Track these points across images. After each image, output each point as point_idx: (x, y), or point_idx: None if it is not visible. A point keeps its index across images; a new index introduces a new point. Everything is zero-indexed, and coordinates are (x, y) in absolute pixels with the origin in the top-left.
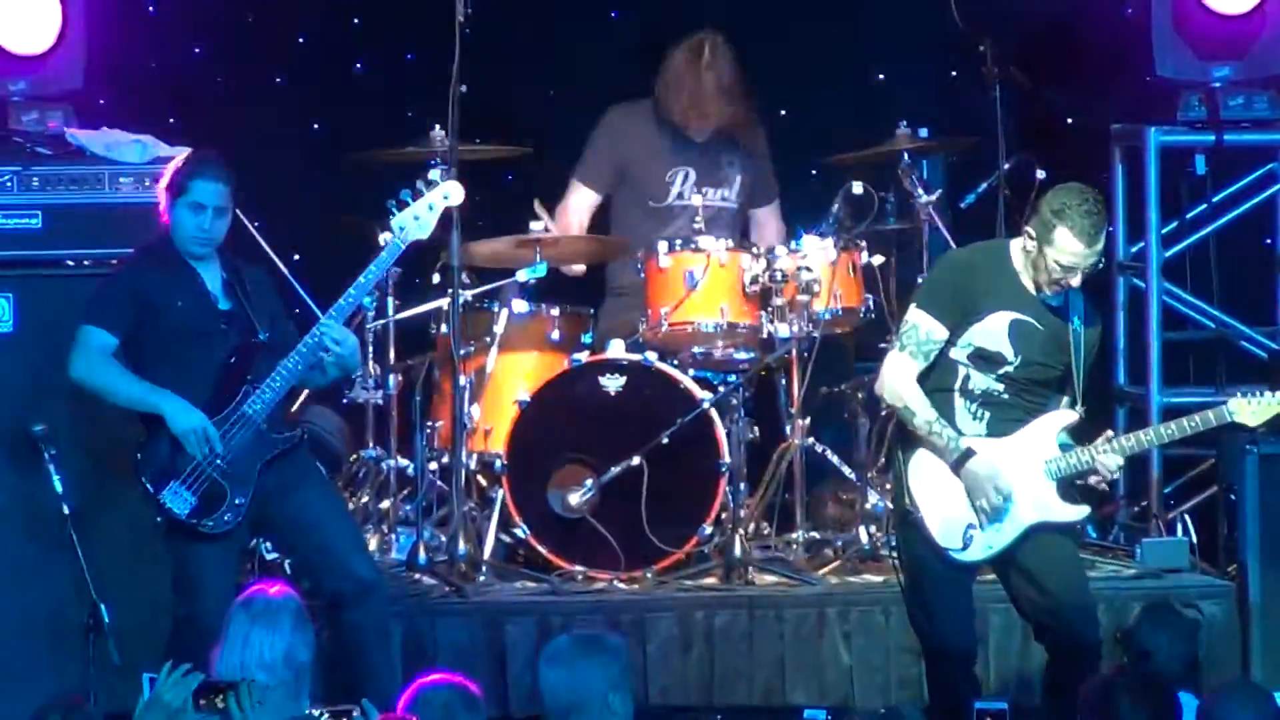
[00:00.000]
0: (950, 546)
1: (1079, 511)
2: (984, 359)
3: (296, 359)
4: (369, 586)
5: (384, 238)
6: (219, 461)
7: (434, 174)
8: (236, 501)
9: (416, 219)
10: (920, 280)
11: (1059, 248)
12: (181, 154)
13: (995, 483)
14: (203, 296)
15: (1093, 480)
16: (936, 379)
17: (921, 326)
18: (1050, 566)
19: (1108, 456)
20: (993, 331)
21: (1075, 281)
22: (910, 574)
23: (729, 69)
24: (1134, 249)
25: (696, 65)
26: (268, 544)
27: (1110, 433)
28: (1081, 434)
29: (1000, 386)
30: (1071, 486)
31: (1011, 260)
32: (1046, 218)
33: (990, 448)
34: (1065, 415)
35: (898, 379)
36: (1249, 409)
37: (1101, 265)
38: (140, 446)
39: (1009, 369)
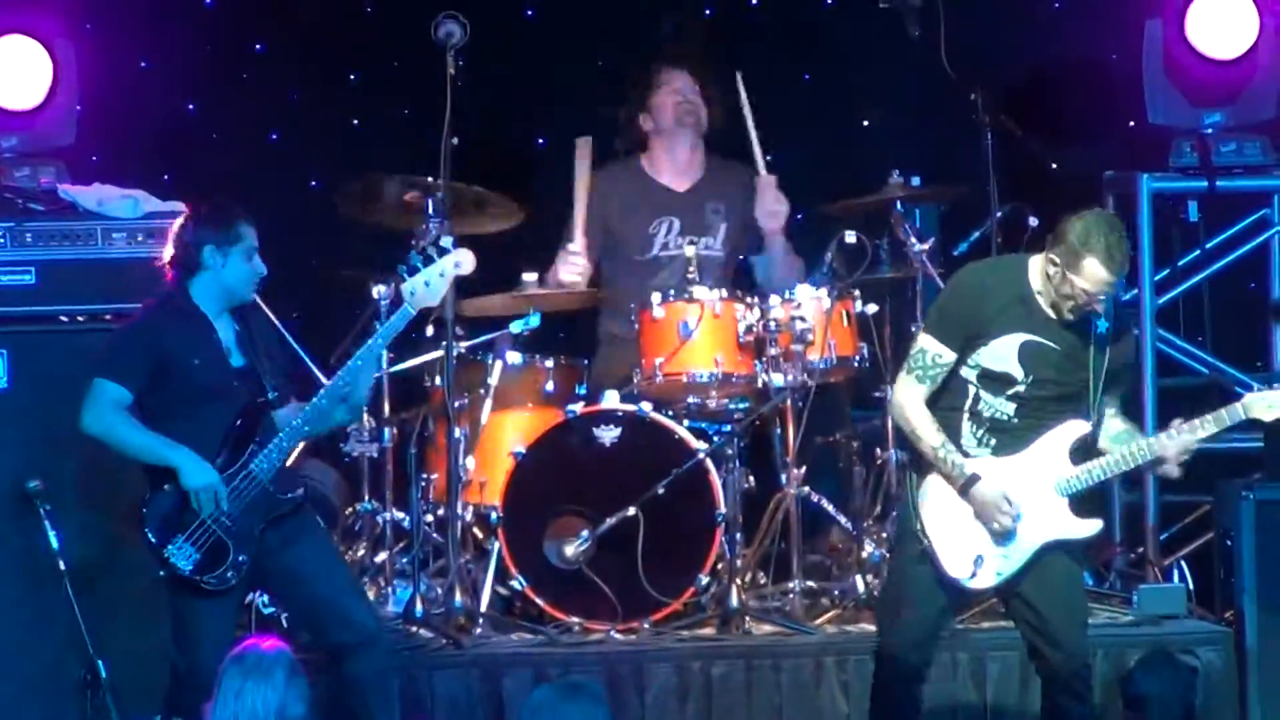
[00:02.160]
0: (960, 576)
1: (1092, 526)
2: (993, 380)
3: (302, 421)
4: (371, 636)
5: (377, 290)
6: (224, 519)
7: (445, 240)
8: (239, 559)
9: (427, 285)
10: (934, 301)
11: (1087, 276)
12: (175, 207)
13: (1003, 505)
14: (218, 353)
15: (1161, 470)
16: (947, 398)
17: (929, 351)
18: (1048, 591)
19: (1117, 462)
20: (1001, 354)
21: (1099, 308)
22: (894, 577)
23: (690, 86)
24: (1127, 296)
25: (656, 81)
26: (264, 597)
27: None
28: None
29: (1011, 408)
30: (1083, 501)
31: (1029, 280)
32: (1073, 245)
33: (998, 469)
34: (1076, 427)
35: (905, 403)
36: (1263, 403)
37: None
38: (145, 500)
39: (1019, 389)
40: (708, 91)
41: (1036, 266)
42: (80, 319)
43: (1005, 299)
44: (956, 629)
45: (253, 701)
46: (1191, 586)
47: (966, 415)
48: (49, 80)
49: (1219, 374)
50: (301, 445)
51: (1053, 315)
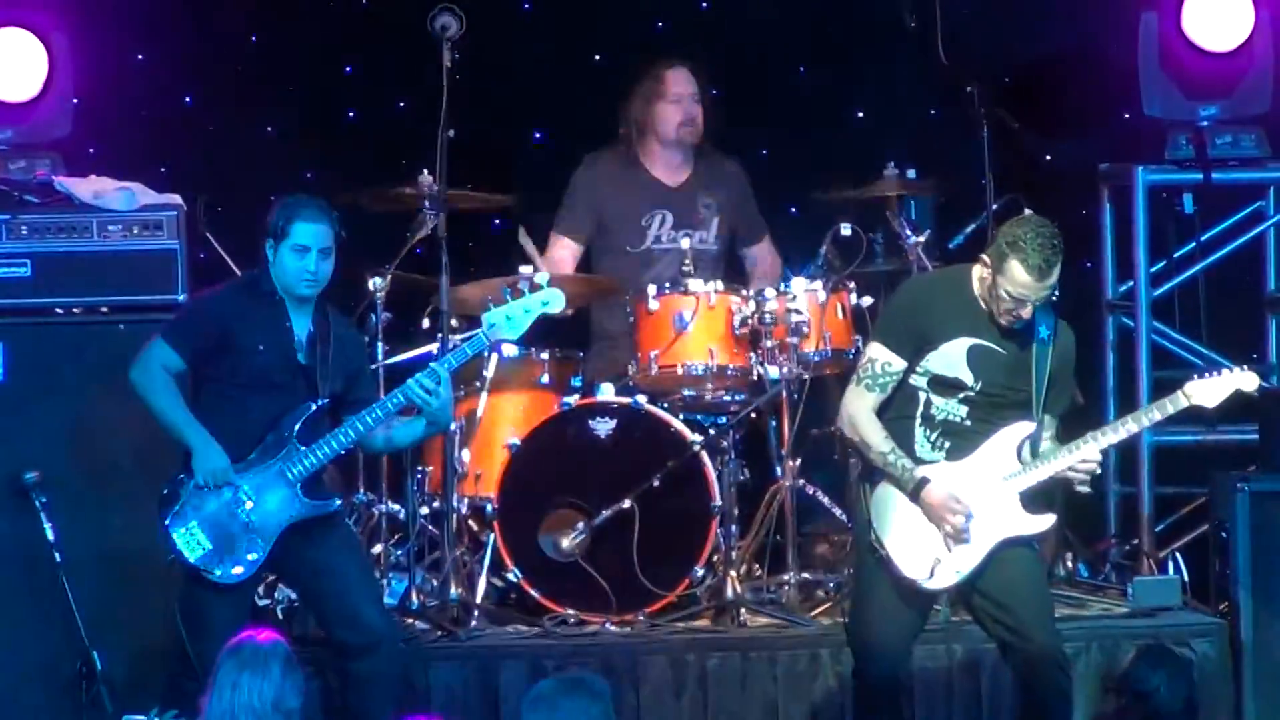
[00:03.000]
0: (917, 577)
1: (1044, 522)
2: (943, 385)
3: (344, 433)
4: (378, 639)
5: (373, 282)
6: (241, 514)
7: (540, 278)
8: (250, 556)
9: (509, 319)
10: (881, 311)
11: (1010, 278)
12: (170, 199)
13: (953, 506)
14: (286, 345)
15: (1078, 486)
16: (897, 407)
17: (878, 360)
18: (1009, 584)
19: (1067, 457)
20: (950, 358)
21: (1025, 314)
22: (860, 592)
23: (692, 93)
24: (1123, 288)
25: (659, 89)
26: (259, 589)
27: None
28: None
29: (964, 410)
30: (1035, 498)
31: (971, 286)
32: (1001, 248)
33: (947, 472)
34: (1022, 428)
35: (854, 413)
36: (1205, 390)
37: (1055, 297)
38: (168, 481)
39: (970, 393)
40: (705, 95)
41: (976, 273)
42: (76, 311)
43: (951, 305)
44: (952, 621)
45: (249, 695)
46: (1186, 578)
47: (919, 421)
48: (45, 72)
49: (1214, 366)
50: None
51: (998, 320)
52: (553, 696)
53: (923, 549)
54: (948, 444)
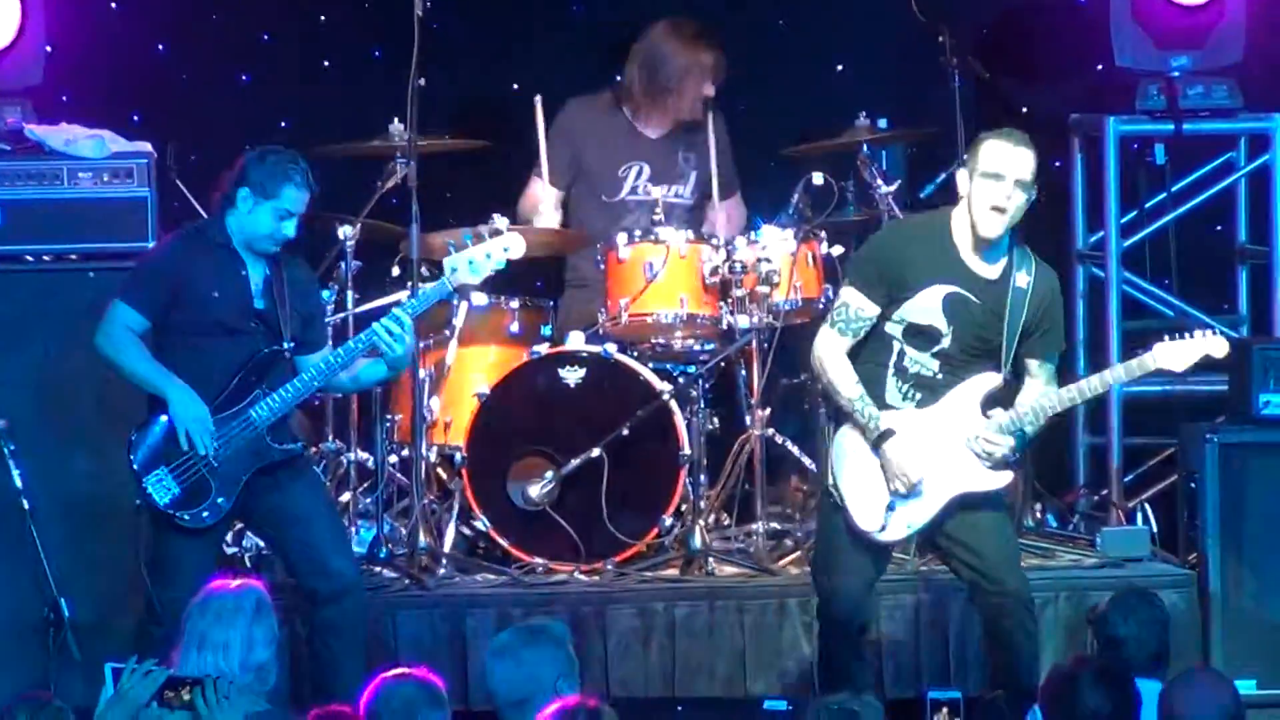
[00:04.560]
0: (870, 529)
1: (1002, 479)
2: (918, 334)
3: (310, 377)
4: (346, 586)
5: (343, 231)
6: (212, 459)
7: (500, 223)
8: (218, 501)
9: (471, 264)
10: (856, 253)
11: (986, 159)
12: (142, 148)
13: (910, 465)
14: (241, 292)
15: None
16: (870, 352)
17: (851, 305)
18: (976, 530)
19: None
20: (926, 307)
21: (1007, 204)
22: (822, 533)
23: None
24: (1093, 238)
25: (695, 46)
26: (228, 537)
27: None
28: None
29: (935, 365)
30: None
31: (951, 231)
32: (974, 146)
33: (911, 421)
34: (988, 379)
35: (825, 354)
36: (1173, 354)
37: (1033, 199)
38: (137, 427)
39: (944, 345)
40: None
41: (958, 214)
42: (46, 258)
43: (928, 250)
44: (920, 571)
45: (216, 646)
46: (1155, 529)
47: (891, 370)
48: (17, 20)
49: (1185, 316)
50: None
51: (975, 268)
52: (516, 647)
53: (877, 499)
54: (919, 395)
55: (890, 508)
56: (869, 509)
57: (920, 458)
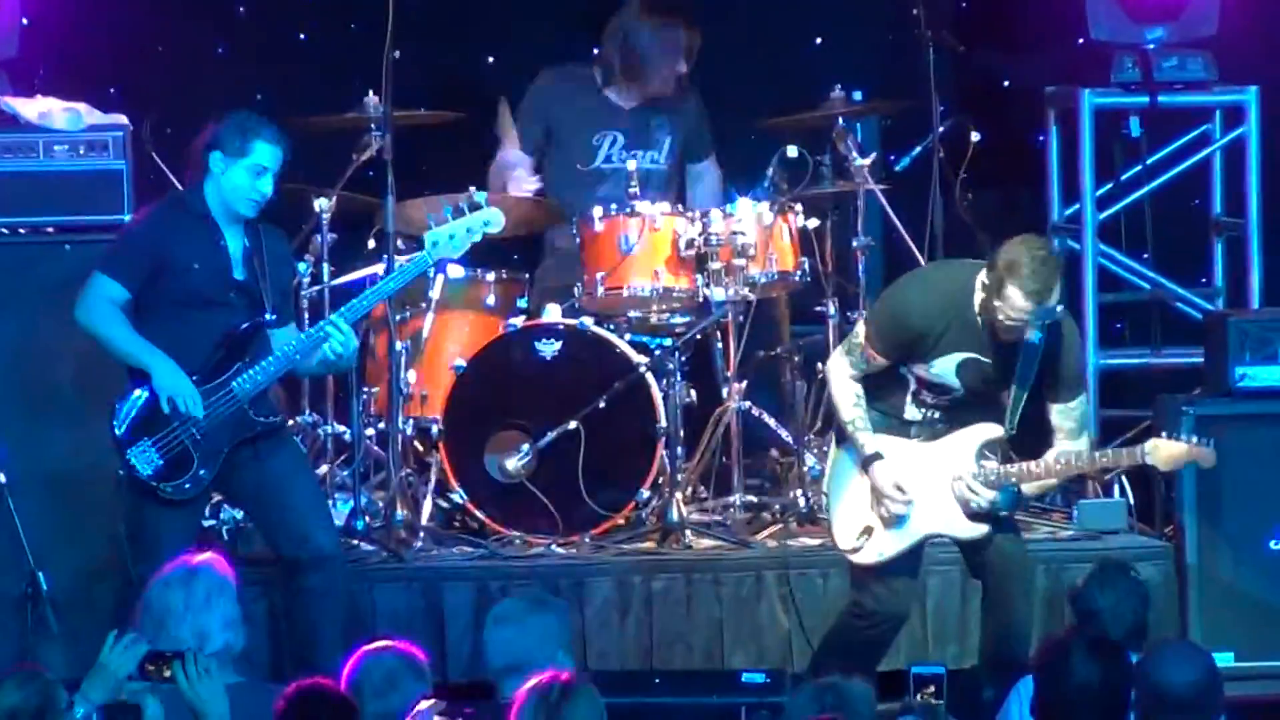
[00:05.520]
0: (844, 546)
1: (978, 529)
2: (929, 386)
3: (294, 348)
4: (325, 558)
5: (319, 203)
6: (194, 431)
7: (479, 196)
8: (200, 473)
9: (452, 238)
10: (879, 301)
11: (1008, 303)
12: (118, 120)
13: (894, 494)
14: (221, 262)
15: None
16: (890, 376)
17: (865, 350)
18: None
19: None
20: (939, 370)
21: (1028, 334)
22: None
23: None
24: (1069, 211)
25: (669, 24)
26: (205, 510)
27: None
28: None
29: (948, 403)
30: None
31: (974, 297)
32: (999, 271)
33: (904, 451)
34: (990, 430)
35: (833, 376)
36: (1164, 453)
37: (1060, 311)
38: (120, 396)
39: (955, 395)
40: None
41: (979, 282)
42: (22, 231)
43: (952, 323)
44: None
45: (175, 623)
46: (1132, 501)
47: (910, 399)
48: None
49: (1161, 289)
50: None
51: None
52: (521, 615)
53: (857, 520)
54: (937, 415)
55: (866, 532)
56: (849, 527)
57: (906, 488)
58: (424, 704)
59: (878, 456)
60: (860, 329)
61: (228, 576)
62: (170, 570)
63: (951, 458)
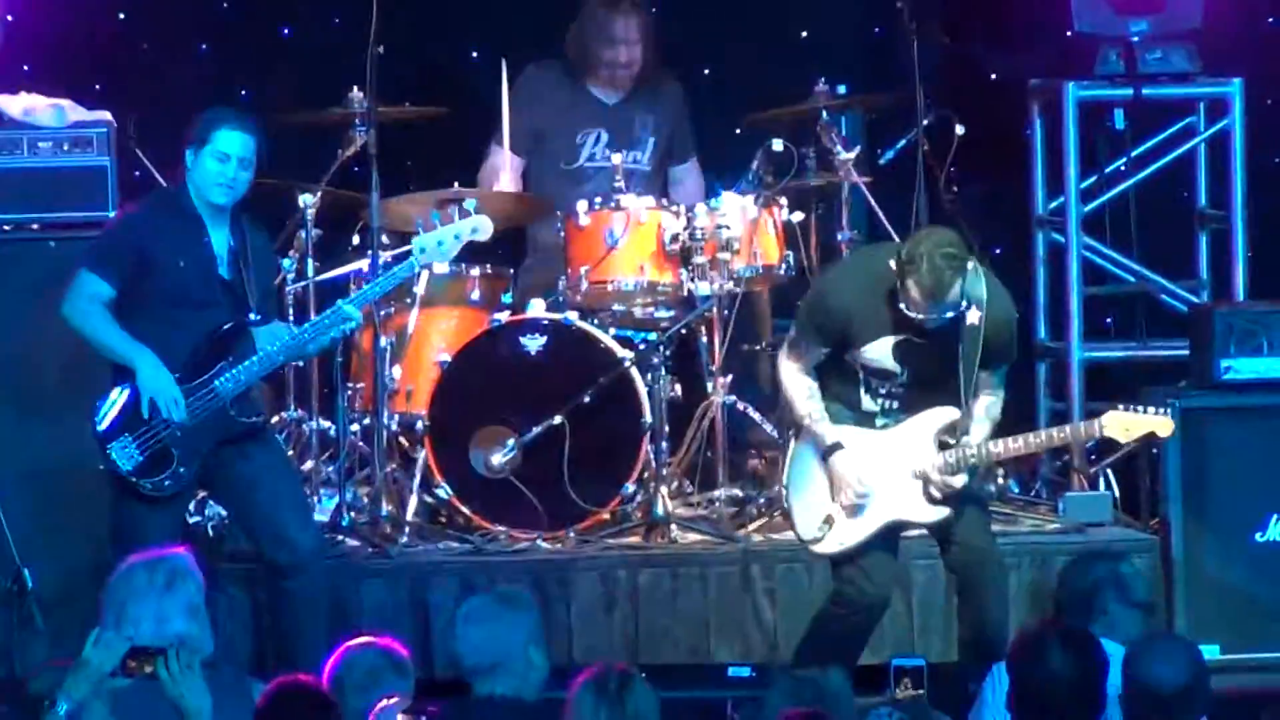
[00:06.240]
0: (806, 537)
1: (938, 513)
2: (874, 373)
3: (279, 350)
4: (306, 558)
5: (303, 199)
6: (175, 429)
7: (468, 203)
8: (180, 470)
9: (440, 244)
10: (802, 303)
11: (907, 295)
12: (102, 117)
13: (854, 484)
14: (206, 260)
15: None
16: (840, 367)
17: (801, 345)
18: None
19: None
20: (876, 355)
21: (925, 324)
22: None
23: (641, 16)
24: (1053, 204)
25: (606, 11)
26: (190, 506)
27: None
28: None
29: (900, 390)
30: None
31: (891, 278)
32: (902, 263)
33: (863, 440)
34: (945, 413)
35: (784, 372)
36: (1121, 424)
37: (952, 316)
38: (101, 394)
39: (901, 380)
40: (648, 35)
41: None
42: (6, 228)
43: (869, 307)
44: None
45: (130, 627)
46: (1117, 494)
47: (862, 387)
48: None
49: (1146, 281)
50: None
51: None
52: (489, 613)
53: (818, 510)
54: (894, 404)
55: (828, 522)
56: (809, 519)
57: (867, 476)
58: (385, 701)
59: (838, 446)
60: (793, 329)
61: (194, 569)
62: (126, 567)
63: (909, 444)
